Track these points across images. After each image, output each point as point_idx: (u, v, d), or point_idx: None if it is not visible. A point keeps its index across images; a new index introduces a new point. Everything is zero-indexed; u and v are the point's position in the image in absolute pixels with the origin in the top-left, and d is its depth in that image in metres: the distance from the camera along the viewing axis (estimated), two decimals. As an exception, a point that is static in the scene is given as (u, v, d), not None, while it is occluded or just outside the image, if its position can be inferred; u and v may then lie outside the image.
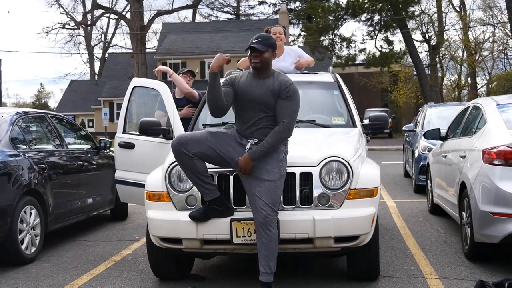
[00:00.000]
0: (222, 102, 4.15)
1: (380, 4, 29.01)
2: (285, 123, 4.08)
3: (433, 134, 7.62)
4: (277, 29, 6.09)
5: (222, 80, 4.44)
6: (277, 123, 4.14)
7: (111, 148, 8.04)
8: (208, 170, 4.21)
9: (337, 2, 30.85)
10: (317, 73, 6.42)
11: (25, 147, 6.13)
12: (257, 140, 4.17)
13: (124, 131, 5.83)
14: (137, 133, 5.62)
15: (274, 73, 4.27)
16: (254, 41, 4.22)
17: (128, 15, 36.36)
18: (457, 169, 5.95)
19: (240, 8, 50.78)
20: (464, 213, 5.57)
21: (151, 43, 55.63)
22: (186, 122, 5.84)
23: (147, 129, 5.42)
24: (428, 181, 8.35)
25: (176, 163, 4.33)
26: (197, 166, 4.14)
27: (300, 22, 37.74)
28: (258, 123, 4.19)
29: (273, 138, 4.07)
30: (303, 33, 36.49)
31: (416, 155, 10.32)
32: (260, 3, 48.85)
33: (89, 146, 7.76)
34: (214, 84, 4.11)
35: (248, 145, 4.16)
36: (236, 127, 4.31)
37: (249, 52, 4.22)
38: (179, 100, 6.45)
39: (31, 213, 5.86)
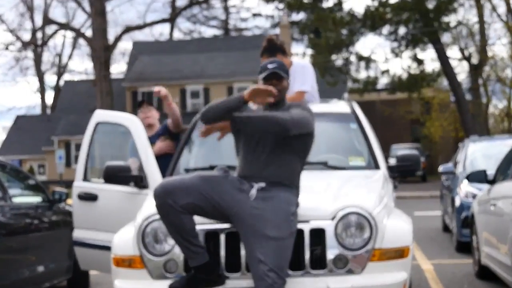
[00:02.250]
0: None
1: (407, 14, 29.36)
2: (284, 116, 4.12)
3: (478, 177, 7.63)
4: (269, 38, 6.18)
5: None
6: (296, 162, 4.25)
7: (67, 201, 8.02)
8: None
9: (352, 12, 31.22)
10: (329, 102, 6.47)
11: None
12: (265, 184, 4.18)
13: (85, 179, 5.85)
14: (102, 181, 5.63)
15: (288, 104, 4.38)
16: (270, 65, 4.32)
17: (89, 32, 36.80)
18: (510, 220, 5.94)
19: (230, 21, 51.49)
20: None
21: (119, 67, 56.17)
22: (162, 160, 5.86)
23: (114, 176, 5.43)
24: (474, 237, 8.32)
25: (152, 218, 4.34)
26: (184, 222, 4.14)
27: (305, 37, 38.18)
28: (268, 161, 4.22)
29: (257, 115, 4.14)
30: (309, 52, 36.89)
31: (457, 203, 10.32)
32: (255, 15, 49.57)
33: (39, 199, 7.74)
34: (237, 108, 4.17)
35: (254, 190, 4.16)
36: (238, 170, 4.33)
37: (263, 78, 4.29)
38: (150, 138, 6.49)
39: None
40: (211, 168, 5.21)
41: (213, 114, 4.23)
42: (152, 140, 6.44)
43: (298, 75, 6.03)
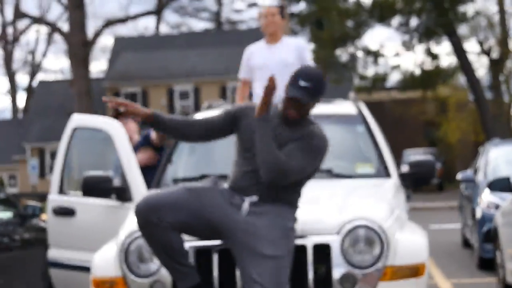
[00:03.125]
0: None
1: (419, 3, 29.39)
2: (284, 160, 4.06)
3: (501, 185, 7.63)
4: (270, 11, 6.29)
5: (221, 108, 4.50)
6: (292, 185, 4.18)
7: (41, 216, 8.00)
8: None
9: (358, 1, 31.29)
10: (333, 102, 6.47)
11: None
12: (257, 198, 4.15)
13: (61, 191, 5.83)
14: (80, 193, 5.62)
15: (310, 123, 4.25)
16: (302, 83, 4.10)
17: (66, 27, 36.79)
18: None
19: (222, 13, 51.56)
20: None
21: (99, 65, 56.21)
22: (146, 172, 5.86)
23: (94, 188, 5.43)
24: (498, 252, 8.31)
25: (136, 235, 4.32)
26: (172, 241, 4.11)
27: (306, 30, 38.20)
28: (260, 178, 4.17)
29: (271, 147, 4.06)
30: (311, 46, 36.94)
31: (478, 215, 10.31)
32: (250, 5, 49.61)
33: (10, 214, 7.72)
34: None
35: (246, 204, 4.14)
36: (231, 181, 4.30)
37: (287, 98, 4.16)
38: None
39: None
40: (203, 177, 5.19)
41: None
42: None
43: (307, 53, 6.35)
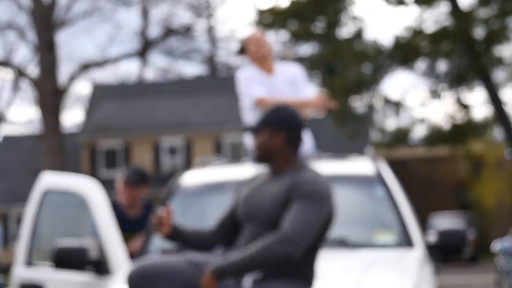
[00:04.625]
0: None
1: (448, 45, 29.50)
2: (282, 233, 4.05)
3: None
4: (255, 35, 6.44)
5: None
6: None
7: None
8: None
9: (376, 43, 31.39)
10: (347, 158, 6.50)
11: None
12: (261, 276, 4.14)
13: (29, 263, 5.82)
14: (51, 265, 5.61)
15: (297, 170, 4.34)
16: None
17: (35, 72, 37.00)
18: None
19: (217, 57, 51.77)
20: None
21: (74, 116, 56.39)
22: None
23: (67, 259, 5.42)
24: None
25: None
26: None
27: (316, 76, 38.36)
28: None
29: (255, 250, 4.03)
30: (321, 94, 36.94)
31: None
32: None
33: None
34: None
35: (248, 283, 4.14)
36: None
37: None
38: (131, 222, 6.51)
39: None
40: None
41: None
42: (134, 226, 6.45)
43: (303, 79, 6.50)
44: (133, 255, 5.81)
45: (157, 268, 4.14)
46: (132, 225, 6.52)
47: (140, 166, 7.24)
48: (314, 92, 6.56)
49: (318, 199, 4.19)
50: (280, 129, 4.34)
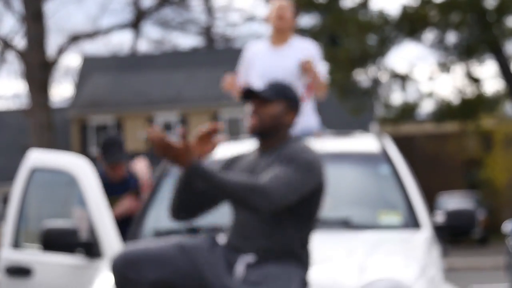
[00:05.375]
0: (193, 206, 4.29)
1: (458, 15, 29.42)
2: (260, 184, 4.04)
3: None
4: (281, 5, 6.53)
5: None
6: (299, 224, 4.20)
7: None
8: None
9: (382, 13, 31.29)
10: (351, 135, 6.50)
11: None
12: (255, 257, 4.16)
13: (16, 246, 5.83)
14: (39, 247, 5.61)
15: (291, 141, 4.35)
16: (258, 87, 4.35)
17: (22, 44, 36.91)
18: None
19: (214, 28, 51.67)
20: None
21: (63, 90, 56.30)
22: (125, 224, 5.88)
23: (56, 241, 5.42)
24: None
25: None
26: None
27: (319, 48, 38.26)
28: (256, 231, 4.22)
29: (237, 183, 4.01)
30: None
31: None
32: (248, 19, 49.89)
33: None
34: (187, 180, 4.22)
35: (240, 267, 4.15)
36: (228, 237, 4.33)
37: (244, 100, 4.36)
38: (115, 186, 6.48)
39: None
40: (193, 230, 5.20)
41: (175, 203, 4.32)
42: (118, 190, 6.45)
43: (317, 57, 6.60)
44: (118, 220, 5.83)
45: (143, 254, 4.14)
46: (116, 189, 6.44)
47: (112, 138, 6.93)
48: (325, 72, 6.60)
49: (305, 167, 4.19)
50: (294, 107, 4.36)
